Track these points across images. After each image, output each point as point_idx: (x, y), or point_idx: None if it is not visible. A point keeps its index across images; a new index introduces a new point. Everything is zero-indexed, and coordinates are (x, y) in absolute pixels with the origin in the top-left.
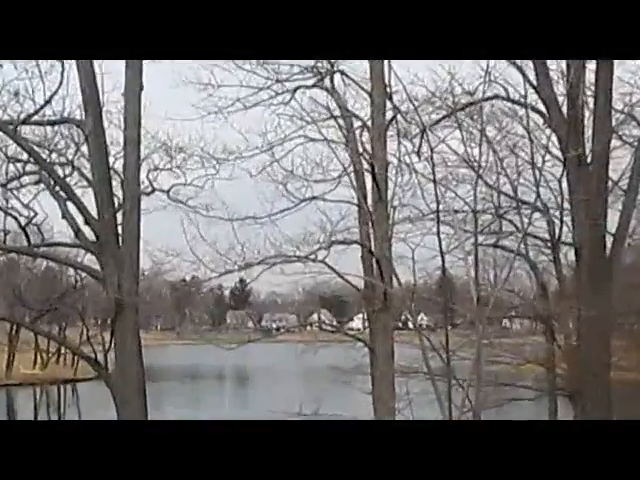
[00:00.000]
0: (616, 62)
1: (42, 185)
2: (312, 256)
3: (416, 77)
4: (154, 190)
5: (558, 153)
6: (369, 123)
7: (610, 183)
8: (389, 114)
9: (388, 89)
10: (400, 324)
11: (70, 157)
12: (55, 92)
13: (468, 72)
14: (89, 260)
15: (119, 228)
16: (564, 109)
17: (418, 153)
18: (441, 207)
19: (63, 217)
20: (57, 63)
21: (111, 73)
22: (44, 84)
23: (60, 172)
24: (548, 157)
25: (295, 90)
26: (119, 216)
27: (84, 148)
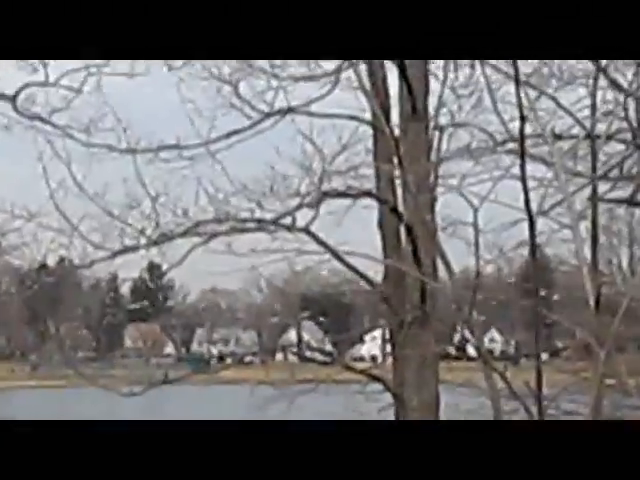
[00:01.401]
0: None
1: None
2: (286, 220)
3: None
4: None
5: None
6: None
7: None
8: None
9: None
10: (452, 349)
11: None
12: None
13: None
14: None
15: None
16: None
17: None
18: (529, 129)
19: None
20: None
21: None
22: None
23: None
24: None
25: None
26: None
27: None
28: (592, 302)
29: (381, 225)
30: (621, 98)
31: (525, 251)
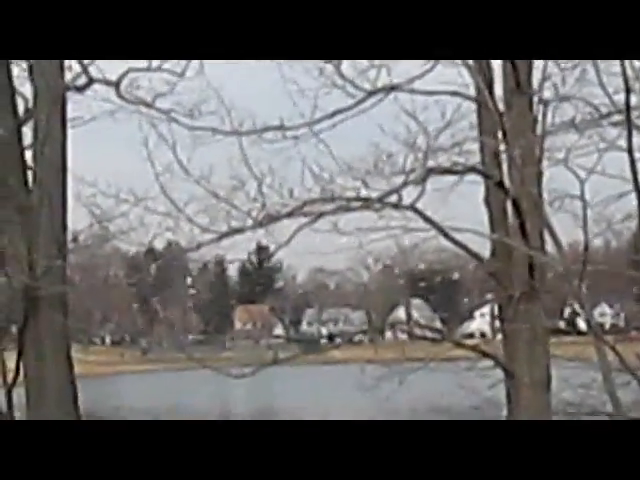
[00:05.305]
0: None
1: None
2: (391, 198)
3: None
4: (92, 81)
5: None
6: None
7: None
8: None
9: None
10: (563, 324)
11: None
12: None
13: None
14: None
15: (27, 154)
16: None
17: None
18: (635, 100)
19: None
20: None
21: None
22: None
23: None
24: None
25: None
26: (27, 131)
27: None
28: None
29: (487, 200)
30: None
31: (633, 223)
